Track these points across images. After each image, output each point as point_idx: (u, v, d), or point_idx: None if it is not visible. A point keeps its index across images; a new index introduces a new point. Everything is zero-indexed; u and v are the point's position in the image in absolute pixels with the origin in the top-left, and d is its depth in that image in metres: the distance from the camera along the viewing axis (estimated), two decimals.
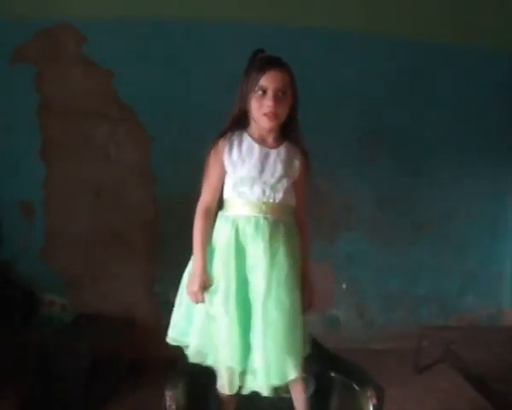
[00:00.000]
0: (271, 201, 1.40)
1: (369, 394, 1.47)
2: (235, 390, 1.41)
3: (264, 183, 1.40)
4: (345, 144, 3.11)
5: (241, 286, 1.37)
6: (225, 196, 1.45)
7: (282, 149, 1.44)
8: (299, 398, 1.50)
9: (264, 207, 1.39)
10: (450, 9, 3.08)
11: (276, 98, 1.37)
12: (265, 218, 1.38)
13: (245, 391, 1.42)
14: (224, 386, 1.41)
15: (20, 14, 2.80)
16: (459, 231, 3.33)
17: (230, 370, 1.38)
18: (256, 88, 1.37)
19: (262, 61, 1.40)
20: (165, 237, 3.01)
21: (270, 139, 1.45)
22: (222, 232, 1.42)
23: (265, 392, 1.38)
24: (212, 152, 1.44)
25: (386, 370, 2.47)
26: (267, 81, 1.36)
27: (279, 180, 1.40)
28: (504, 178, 3.37)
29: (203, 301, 1.40)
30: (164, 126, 2.91)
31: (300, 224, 1.50)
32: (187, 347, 1.45)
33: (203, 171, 1.50)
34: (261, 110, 1.38)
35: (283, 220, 1.41)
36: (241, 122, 1.44)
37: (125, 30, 2.87)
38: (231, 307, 1.36)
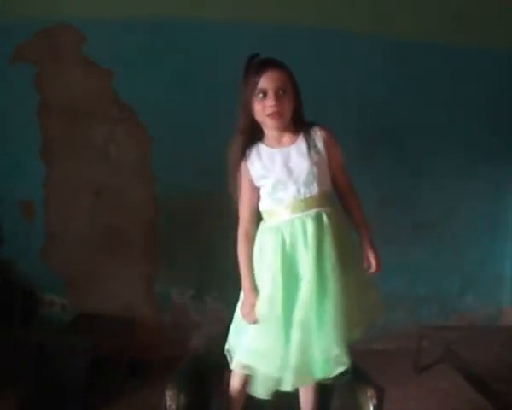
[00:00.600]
0: (308, 196, 1.40)
1: (369, 394, 1.47)
2: (270, 394, 1.41)
3: (296, 181, 1.40)
4: (345, 144, 3.09)
5: (288, 292, 1.36)
6: (264, 207, 1.46)
7: (301, 142, 1.44)
8: (307, 398, 1.51)
9: (302, 204, 1.40)
10: (450, 9, 3.09)
11: (278, 97, 1.37)
12: (308, 215, 1.39)
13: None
14: (259, 391, 1.42)
15: (20, 14, 2.80)
16: (459, 231, 3.33)
17: (268, 376, 1.39)
18: (256, 91, 1.38)
19: (258, 64, 1.41)
20: (165, 237, 3.01)
21: (286, 137, 1.45)
22: (267, 242, 1.42)
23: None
24: (239, 177, 1.47)
25: (386, 370, 2.47)
26: (266, 82, 1.37)
27: (309, 173, 1.41)
28: (504, 178, 3.38)
29: (257, 320, 1.40)
30: (164, 126, 2.92)
31: (347, 191, 1.52)
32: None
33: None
34: (265, 112, 1.39)
35: (325, 209, 1.41)
36: (254, 132, 1.45)
37: (125, 30, 2.87)
38: (277, 313, 1.35)
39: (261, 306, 1.39)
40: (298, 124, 1.46)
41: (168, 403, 1.43)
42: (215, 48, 2.93)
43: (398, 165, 3.22)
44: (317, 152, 1.43)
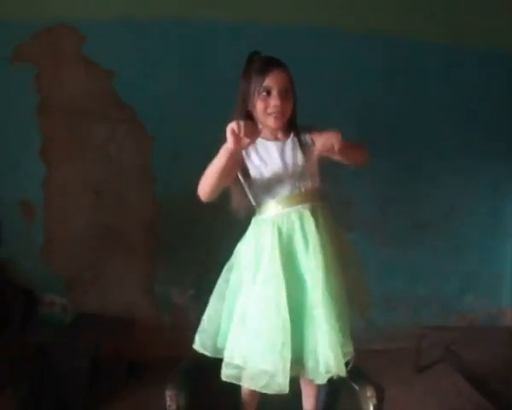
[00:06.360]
0: (303, 190, 1.42)
1: (369, 394, 1.48)
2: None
3: (292, 175, 1.41)
4: None
5: (291, 286, 1.34)
6: (257, 201, 1.45)
7: (295, 138, 1.45)
8: (310, 395, 1.50)
9: (298, 198, 1.41)
10: (450, 9, 3.09)
11: (281, 97, 1.38)
12: (304, 208, 1.39)
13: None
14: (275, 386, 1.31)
15: (20, 14, 2.80)
16: (459, 231, 3.33)
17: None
18: (261, 89, 1.38)
19: (263, 62, 1.40)
20: (165, 237, 3.01)
21: (279, 135, 1.46)
22: (263, 236, 1.40)
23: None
24: None
25: (386, 370, 2.47)
26: (271, 81, 1.37)
27: (303, 167, 1.42)
28: (504, 178, 3.38)
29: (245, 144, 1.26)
30: (164, 126, 2.92)
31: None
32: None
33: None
34: (267, 110, 1.39)
35: (319, 205, 1.43)
36: None
37: (125, 30, 2.87)
38: (283, 308, 1.32)
39: (267, 306, 1.33)
40: (291, 124, 1.46)
41: (168, 403, 1.43)
42: (215, 48, 2.93)
43: (398, 165, 3.21)
44: (311, 150, 1.43)
